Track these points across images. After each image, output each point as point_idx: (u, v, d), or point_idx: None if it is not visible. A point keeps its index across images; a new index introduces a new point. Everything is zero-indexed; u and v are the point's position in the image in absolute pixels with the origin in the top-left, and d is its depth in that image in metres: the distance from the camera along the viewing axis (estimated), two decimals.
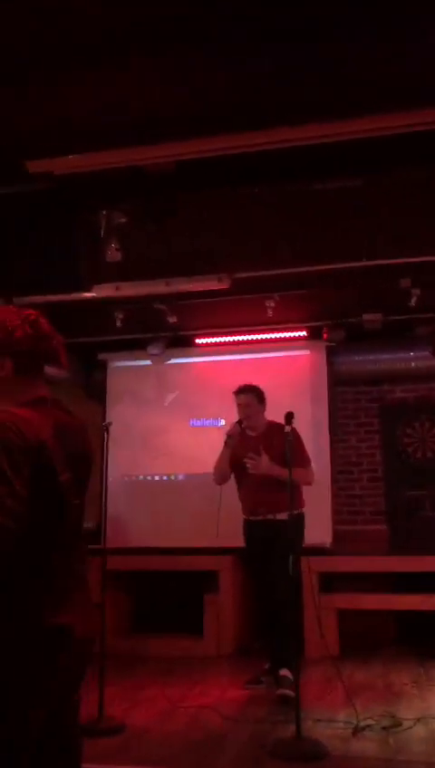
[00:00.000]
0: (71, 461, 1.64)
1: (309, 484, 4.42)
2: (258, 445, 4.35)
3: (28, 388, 1.72)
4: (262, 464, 4.23)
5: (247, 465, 4.27)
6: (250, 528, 4.44)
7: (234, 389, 4.58)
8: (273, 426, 4.41)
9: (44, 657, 1.53)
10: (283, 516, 4.09)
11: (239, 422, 4.43)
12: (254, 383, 4.57)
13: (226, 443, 4.46)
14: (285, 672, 4.04)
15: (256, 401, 4.50)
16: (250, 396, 4.49)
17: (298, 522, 4.21)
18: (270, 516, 4.28)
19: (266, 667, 4.34)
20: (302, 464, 4.29)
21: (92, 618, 1.74)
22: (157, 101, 3.23)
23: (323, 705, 3.85)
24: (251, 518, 4.41)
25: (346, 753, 3.08)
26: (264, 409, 4.54)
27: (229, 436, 4.45)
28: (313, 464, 4.60)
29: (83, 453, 1.74)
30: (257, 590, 4.55)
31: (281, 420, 3.89)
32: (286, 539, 3.98)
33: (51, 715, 1.56)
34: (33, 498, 1.51)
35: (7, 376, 1.70)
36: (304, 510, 4.35)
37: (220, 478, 4.53)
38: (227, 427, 4.58)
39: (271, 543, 4.22)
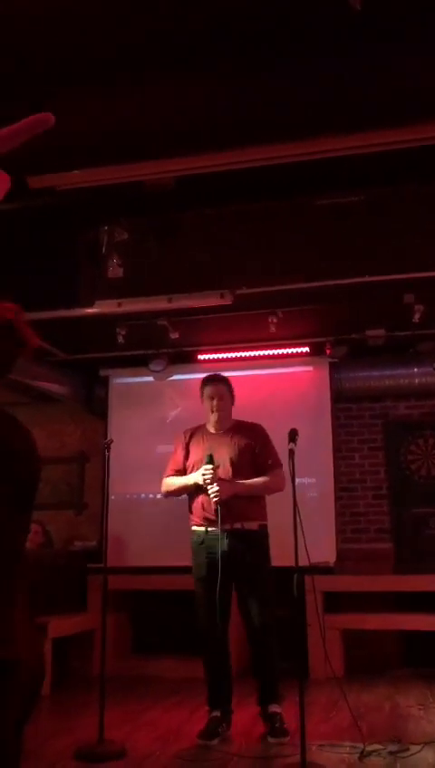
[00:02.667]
0: (9, 474, 1.52)
1: (281, 489, 3.83)
2: (223, 444, 3.90)
3: None
4: (226, 490, 3.70)
5: (212, 497, 3.70)
6: (208, 540, 3.78)
7: (202, 380, 4.12)
8: (241, 424, 4.03)
9: None
10: (252, 526, 3.77)
11: (211, 459, 3.75)
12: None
13: (196, 483, 3.81)
14: (275, 708, 3.67)
15: (229, 393, 4.03)
16: (224, 387, 4.02)
17: (266, 534, 3.86)
18: (238, 526, 3.74)
19: (217, 714, 3.73)
20: (273, 466, 3.87)
21: (36, 648, 1.60)
22: (158, 118, 3.23)
23: (329, 729, 3.76)
24: (211, 529, 3.74)
25: None
26: (233, 404, 4.06)
27: (203, 483, 3.76)
28: (313, 478, 4.34)
29: (27, 470, 1.61)
30: (215, 620, 3.75)
31: (284, 436, 3.57)
32: (259, 551, 3.75)
33: None
34: None
35: None
36: (306, 527, 3.66)
37: (173, 495, 4.06)
38: (201, 473, 3.78)
39: (240, 557, 3.71)
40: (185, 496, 4.02)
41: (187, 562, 5.47)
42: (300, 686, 3.24)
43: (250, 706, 3.91)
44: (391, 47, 2.85)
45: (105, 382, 6.36)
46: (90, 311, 4.56)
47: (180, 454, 4.03)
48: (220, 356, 6.01)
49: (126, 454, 5.76)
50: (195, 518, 3.89)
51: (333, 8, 2.56)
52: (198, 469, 3.84)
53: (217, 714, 3.74)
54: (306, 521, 4.03)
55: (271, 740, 3.58)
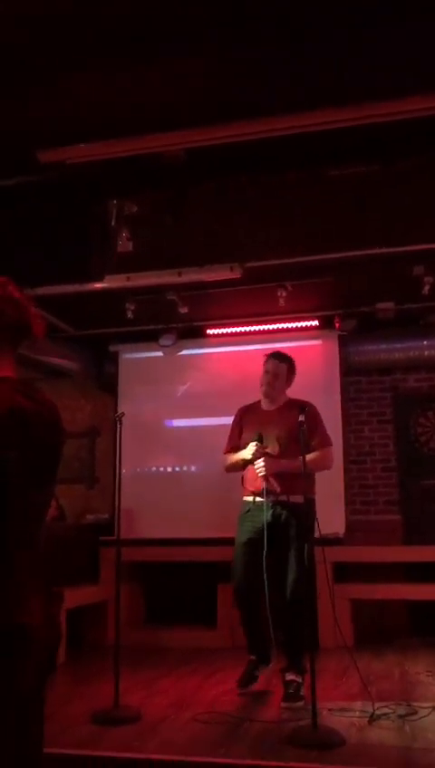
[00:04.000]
0: (24, 443, 1.52)
1: (328, 467, 4.08)
2: (273, 421, 4.04)
3: None
4: (271, 466, 3.89)
5: (259, 473, 3.91)
6: (254, 510, 3.96)
7: (268, 353, 4.22)
8: (293, 402, 4.08)
9: (3, 662, 1.42)
10: (297, 499, 3.83)
11: (260, 438, 3.96)
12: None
13: (246, 458, 4.03)
14: (292, 676, 3.79)
15: (286, 372, 4.14)
16: (282, 364, 4.13)
17: (312, 507, 3.93)
18: (283, 498, 3.89)
19: (253, 657, 4.01)
20: (321, 444, 4.01)
21: (53, 614, 1.59)
22: (167, 89, 3.22)
23: (339, 695, 3.84)
24: (259, 499, 3.93)
25: (363, 741, 3.07)
26: (290, 385, 4.18)
27: (252, 457, 3.97)
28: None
29: (45, 441, 1.60)
30: (248, 583, 3.95)
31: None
32: (302, 524, 3.78)
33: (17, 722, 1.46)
34: None
35: None
36: (317, 499, 4.02)
37: (229, 470, 4.24)
38: (249, 449, 3.99)
39: (283, 528, 3.87)
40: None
41: (197, 534, 5.58)
42: (311, 654, 3.31)
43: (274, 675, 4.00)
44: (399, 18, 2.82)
45: (115, 357, 6.39)
46: (99, 285, 4.57)
47: (235, 431, 4.22)
48: (229, 330, 6.02)
49: (136, 428, 5.81)
50: (245, 490, 4.09)
51: None
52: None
53: (253, 657, 4.02)
54: (317, 493, 4.12)
55: (282, 704, 3.68)
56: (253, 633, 4.04)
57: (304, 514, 3.78)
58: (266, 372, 4.13)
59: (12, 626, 1.44)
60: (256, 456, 3.94)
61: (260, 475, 3.91)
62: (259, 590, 3.88)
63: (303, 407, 3.78)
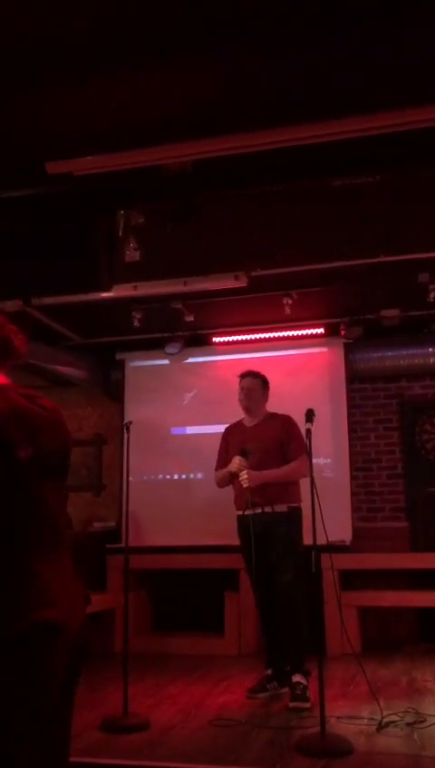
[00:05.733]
0: (32, 444, 1.55)
1: (304, 475, 4.05)
2: (253, 436, 4.29)
3: None
4: (254, 478, 4.10)
5: (242, 483, 4.13)
6: (246, 523, 4.14)
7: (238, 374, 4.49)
8: (272, 416, 4.38)
9: (29, 657, 1.45)
10: (281, 508, 4.10)
11: (244, 453, 4.18)
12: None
13: (231, 471, 4.24)
14: (298, 678, 3.90)
15: (260, 388, 4.41)
16: (255, 381, 4.41)
17: (297, 515, 4.15)
18: (267, 509, 4.11)
19: (269, 672, 4.13)
20: (296, 454, 4.18)
21: (79, 610, 1.62)
22: (173, 101, 3.25)
23: (347, 702, 3.84)
24: (247, 513, 4.13)
25: (371, 749, 3.07)
26: (266, 399, 4.44)
27: (233, 472, 4.21)
28: (329, 458, 4.55)
29: (52, 443, 1.64)
30: (258, 592, 4.25)
31: (300, 417, 3.82)
32: (289, 532, 4.04)
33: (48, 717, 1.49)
34: None
35: None
36: (323, 506, 4.03)
37: (220, 486, 4.46)
38: (237, 462, 4.19)
39: (270, 538, 4.07)
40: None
41: (204, 541, 5.59)
42: (319, 662, 3.32)
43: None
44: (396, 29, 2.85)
45: (121, 366, 6.42)
46: (106, 295, 4.60)
47: (223, 449, 4.49)
48: (235, 338, 6.05)
49: (142, 436, 5.82)
50: (235, 503, 4.32)
51: None
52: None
53: (268, 672, 4.13)
54: (323, 500, 4.10)
55: (290, 705, 3.77)
56: (272, 642, 4.21)
57: (290, 522, 4.06)
58: (242, 389, 4.41)
59: (35, 624, 1.46)
60: (238, 469, 4.17)
61: (244, 486, 4.12)
62: (273, 595, 4.12)
63: (282, 419, 4.17)
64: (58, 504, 1.67)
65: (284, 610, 4.06)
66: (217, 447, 4.55)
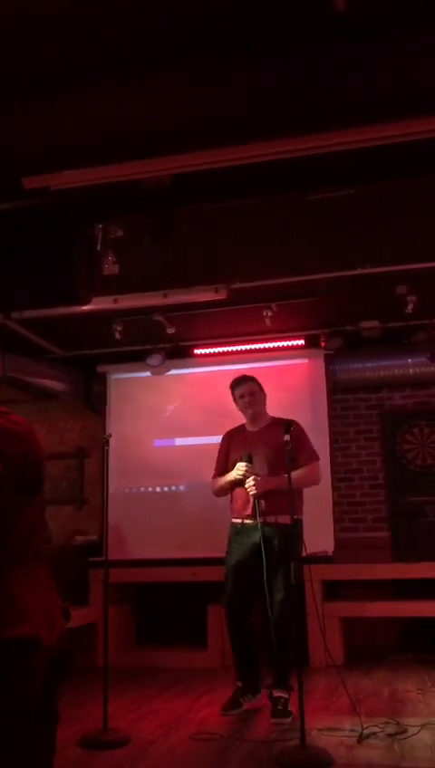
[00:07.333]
0: (4, 458, 1.56)
1: (316, 482, 4.16)
2: (258, 441, 4.14)
3: None
4: (263, 484, 3.96)
5: (249, 492, 3.98)
6: (243, 532, 4.05)
7: (231, 383, 4.36)
8: (277, 420, 4.18)
9: (6, 674, 1.45)
10: (285, 520, 3.80)
11: (249, 459, 4.06)
12: None
13: (236, 479, 4.10)
14: (279, 693, 3.85)
15: (260, 390, 4.29)
16: (253, 384, 4.27)
17: (299, 529, 3.99)
18: (271, 519, 3.95)
19: (240, 684, 4.04)
20: (308, 459, 4.09)
21: (57, 624, 1.63)
22: (152, 115, 3.27)
23: (328, 714, 3.84)
24: (247, 521, 4.02)
25: (352, 761, 3.07)
26: (266, 401, 4.31)
27: (242, 476, 4.05)
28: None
29: (27, 457, 1.65)
30: (233, 600, 4.07)
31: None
32: (289, 545, 3.81)
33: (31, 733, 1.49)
34: None
35: None
36: (305, 518, 4.10)
37: (218, 494, 4.32)
38: (237, 470, 4.09)
39: (270, 549, 3.89)
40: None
41: (186, 554, 5.58)
42: (299, 674, 3.32)
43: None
44: (375, 45, 2.89)
45: (103, 378, 6.42)
46: (86, 308, 4.60)
47: (222, 456, 4.32)
48: (216, 350, 6.06)
49: (125, 448, 5.83)
50: (234, 512, 4.15)
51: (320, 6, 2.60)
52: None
53: (240, 684, 4.02)
54: (305, 511, 4.15)
55: (271, 720, 3.73)
56: (243, 658, 4.07)
57: (291, 536, 3.79)
58: (242, 396, 4.27)
59: (9, 640, 1.46)
60: (245, 476, 3.99)
61: (251, 494, 3.96)
62: (249, 612, 3.99)
63: (288, 424, 3.79)
64: (34, 518, 1.67)
65: (276, 627, 3.88)
66: (208, 457, 4.41)
